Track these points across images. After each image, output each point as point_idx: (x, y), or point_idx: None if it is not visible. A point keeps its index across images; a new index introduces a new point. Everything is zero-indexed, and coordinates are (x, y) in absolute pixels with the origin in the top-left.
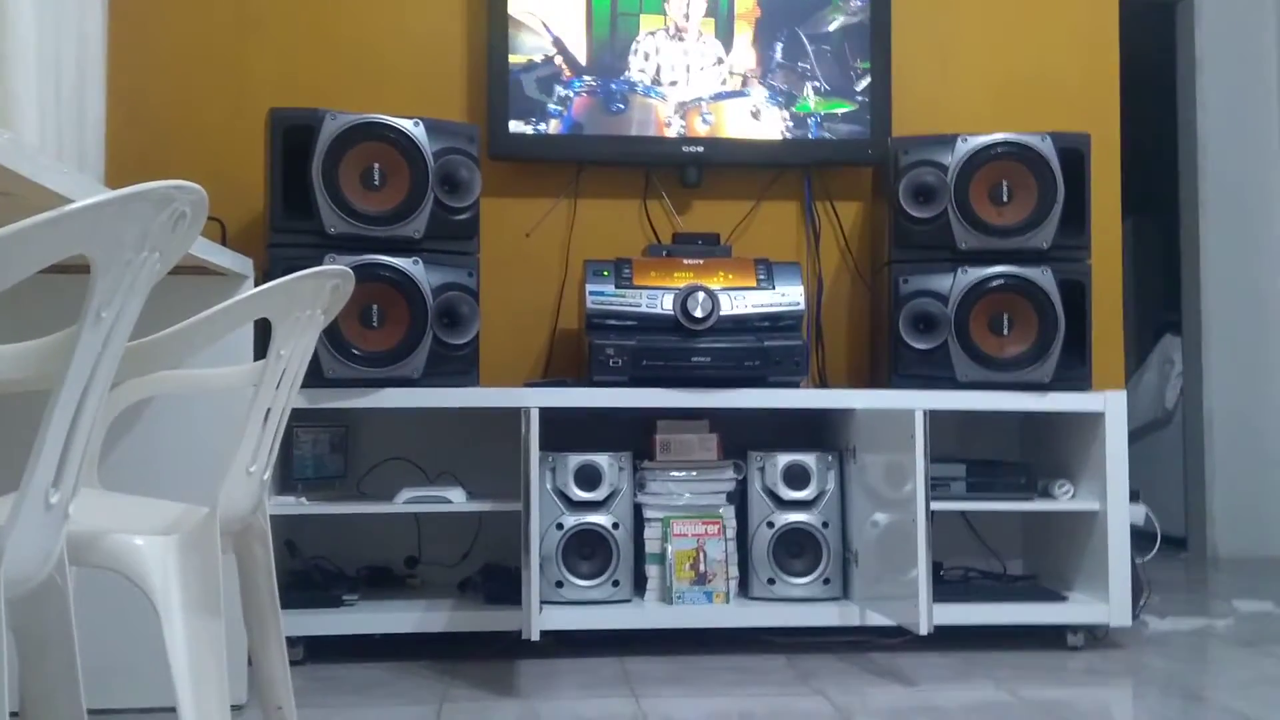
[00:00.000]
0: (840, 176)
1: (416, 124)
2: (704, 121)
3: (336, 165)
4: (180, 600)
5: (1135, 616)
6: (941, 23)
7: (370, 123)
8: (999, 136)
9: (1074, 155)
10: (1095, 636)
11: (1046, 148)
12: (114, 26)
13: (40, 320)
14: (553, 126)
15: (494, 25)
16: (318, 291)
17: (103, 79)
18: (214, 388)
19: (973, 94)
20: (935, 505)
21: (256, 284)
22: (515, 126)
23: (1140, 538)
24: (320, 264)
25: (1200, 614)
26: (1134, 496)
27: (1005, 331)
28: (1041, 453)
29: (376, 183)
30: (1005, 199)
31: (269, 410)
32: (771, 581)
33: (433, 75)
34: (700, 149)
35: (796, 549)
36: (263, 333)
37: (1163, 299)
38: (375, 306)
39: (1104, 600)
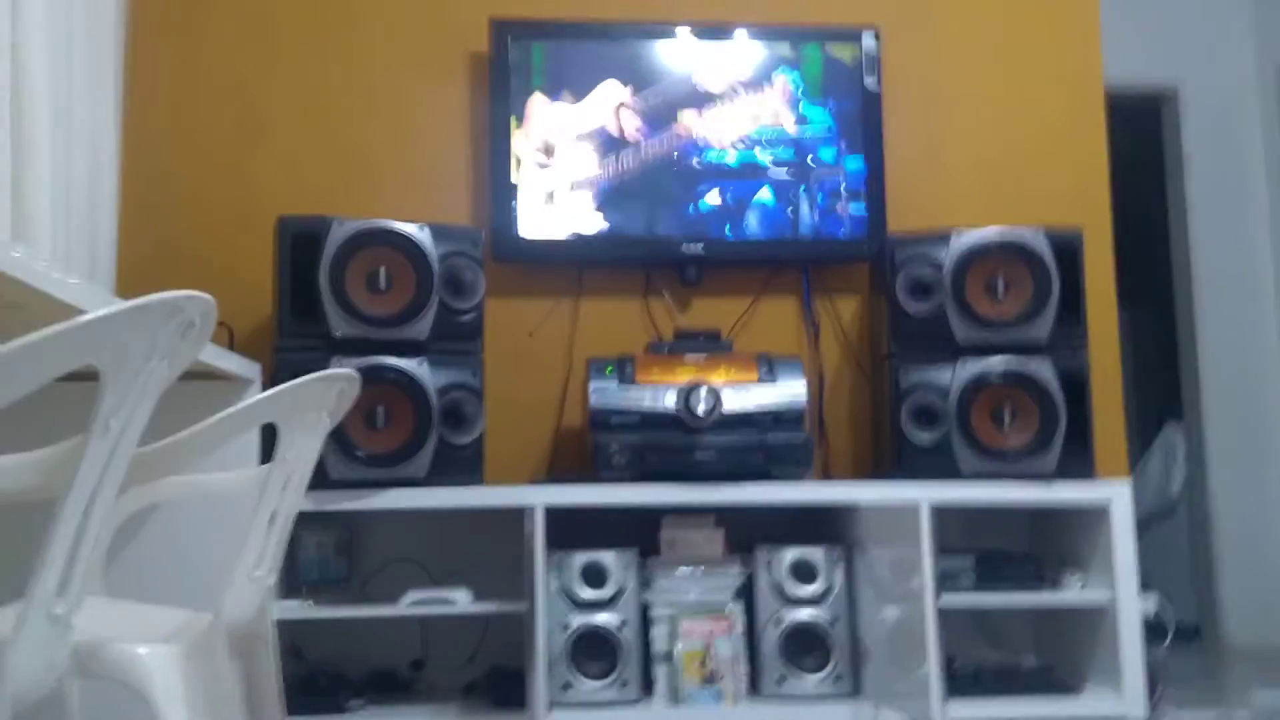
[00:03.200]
0: (838, 273)
1: (422, 229)
2: (704, 220)
3: (343, 270)
4: (184, 711)
5: (1152, 709)
6: (932, 117)
7: (377, 229)
8: (993, 232)
9: (1068, 248)
10: None
11: (1040, 242)
12: (126, 137)
13: (44, 428)
14: (554, 230)
15: (496, 133)
16: (324, 395)
17: (115, 188)
18: (219, 493)
19: (965, 186)
20: (945, 600)
21: (263, 388)
22: (517, 230)
23: (1153, 628)
24: (326, 367)
25: (1217, 705)
26: (1145, 586)
27: (1007, 423)
28: (1049, 543)
29: (382, 286)
30: (1001, 293)
31: (274, 514)
32: (782, 680)
33: (437, 180)
34: (700, 249)
35: (806, 646)
36: (268, 436)
37: (1163, 391)
38: (380, 407)
39: (1118, 693)
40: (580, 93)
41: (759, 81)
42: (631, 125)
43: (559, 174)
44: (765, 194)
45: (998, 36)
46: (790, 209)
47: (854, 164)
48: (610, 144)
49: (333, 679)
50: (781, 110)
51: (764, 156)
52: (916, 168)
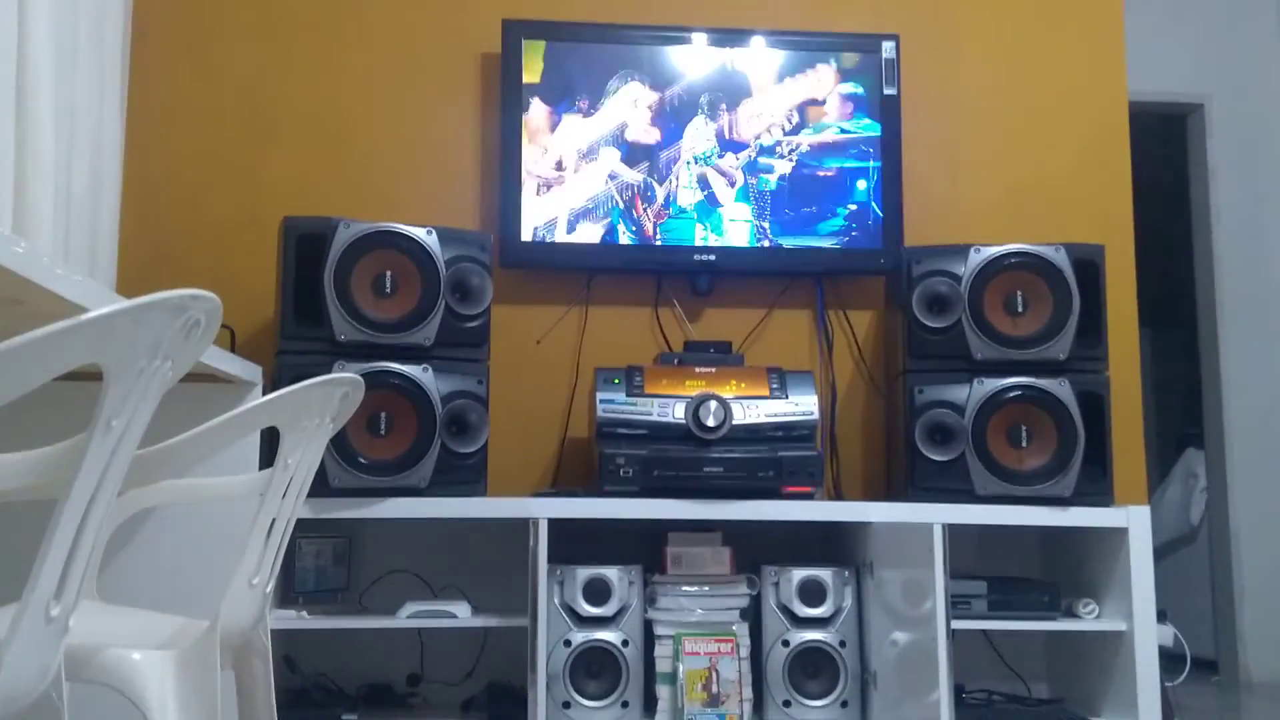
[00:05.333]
0: (853, 285)
1: (429, 232)
2: (715, 230)
3: (348, 273)
4: (178, 719)
5: None
6: (951, 129)
7: (383, 231)
8: (1012, 247)
9: (1088, 265)
10: None
11: (1060, 258)
12: (130, 135)
13: (44, 427)
14: (564, 235)
15: (507, 136)
16: (327, 400)
17: (118, 186)
18: (218, 497)
19: (984, 202)
20: (956, 624)
21: (264, 391)
22: (527, 235)
23: (1169, 659)
24: (329, 372)
25: None
26: (1162, 616)
27: (1024, 444)
28: (1064, 569)
29: (388, 290)
30: (1020, 309)
31: (273, 520)
32: (787, 704)
33: (445, 183)
34: (712, 257)
35: (813, 669)
36: (269, 441)
37: (1184, 412)
38: (383, 414)
39: None
40: (593, 96)
41: (775, 89)
42: (645, 129)
43: (570, 178)
44: (779, 203)
45: (1020, 48)
46: (805, 219)
47: (872, 176)
48: (623, 148)
49: (327, 692)
50: (797, 119)
51: (779, 165)
52: (935, 180)
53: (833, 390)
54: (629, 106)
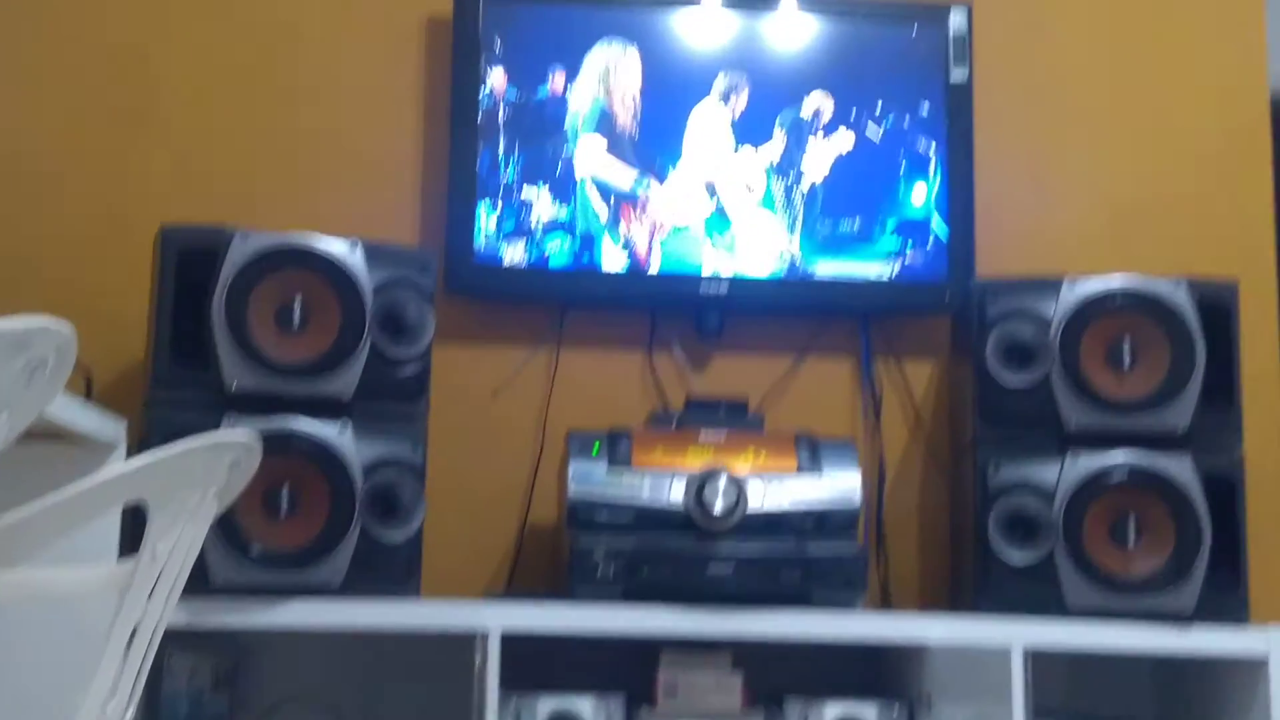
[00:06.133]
0: (909, 327)
1: (353, 247)
2: (728, 251)
3: (245, 299)
4: None
5: None
6: (1039, 130)
7: (292, 246)
8: (1117, 281)
9: (1218, 306)
10: None
11: (1181, 297)
12: None
13: None
14: (530, 255)
15: (458, 123)
16: (211, 468)
17: None
18: (63, 596)
19: (1081, 221)
20: None
21: (129, 454)
22: (482, 254)
23: None
24: (217, 429)
25: None
26: None
27: (1131, 542)
28: (1183, 708)
29: (297, 323)
30: (1127, 363)
31: (135, 628)
32: None
33: (376, 184)
34: (724, 288)
35: None
36: (133, 522)
37: None
38: (286, 488)
39: None
40: (572, 73)
41: (810, 68)
42: (638, 116)
43: (541, 178)
44: (813, 216)
45: (1129, 24)
46: (847, 240)
47: (934, 184)
48: (610, 139)
49: None
50: (837, 108)
51: (812, 169)
52: (1017, 193)
53: (881, 466)
54: (617, 85)
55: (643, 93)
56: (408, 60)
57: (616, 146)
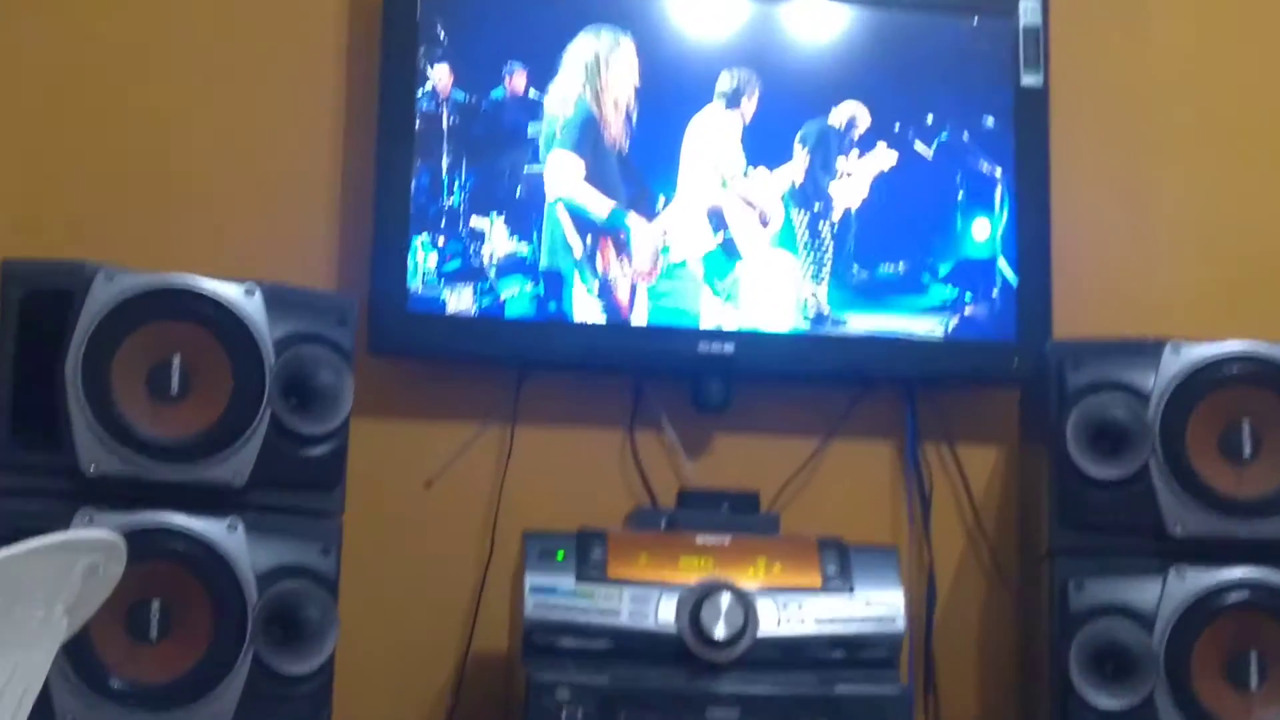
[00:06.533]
0: (967, 400)
1: (249, 292)
2: (735, 300)
3: (109, 357)
4: None
5: None
6: (1133, 151)
7: (171, 287)
8: (1235, 346)
9: None
10: None
11: None
12: None
13: None
14: (480, 302)
15: (389, 133)
16: (61, 575)
17: None
18: None
19: (1186, 272)
20: None
21: None
22: (417, 300)
23: None
24: (68, 525)
25: None
26: None
27: (1254, 683)
28: None
29: (175, 389)
30: (1247, 452)
31: None
32: None
33: (282, 212)
34: (729, 347)
35: None
36: None
37: None
38: (157, 603)
39: None
40: (538, 67)
41: (842, 69)
42: (624, 126)
43: (496, 203)
44: (844, 254)
45: (1255, 24)
46: (888, 287)
47: (1000, 217)
48: (592, 154)
49: None
50: (876, 119)
51: (844, 195)
52: (1105, 230)
53: (930, 580)
54: (608, 86)
55: (639, 95)
56: (323, 52)
57: (600, 163)
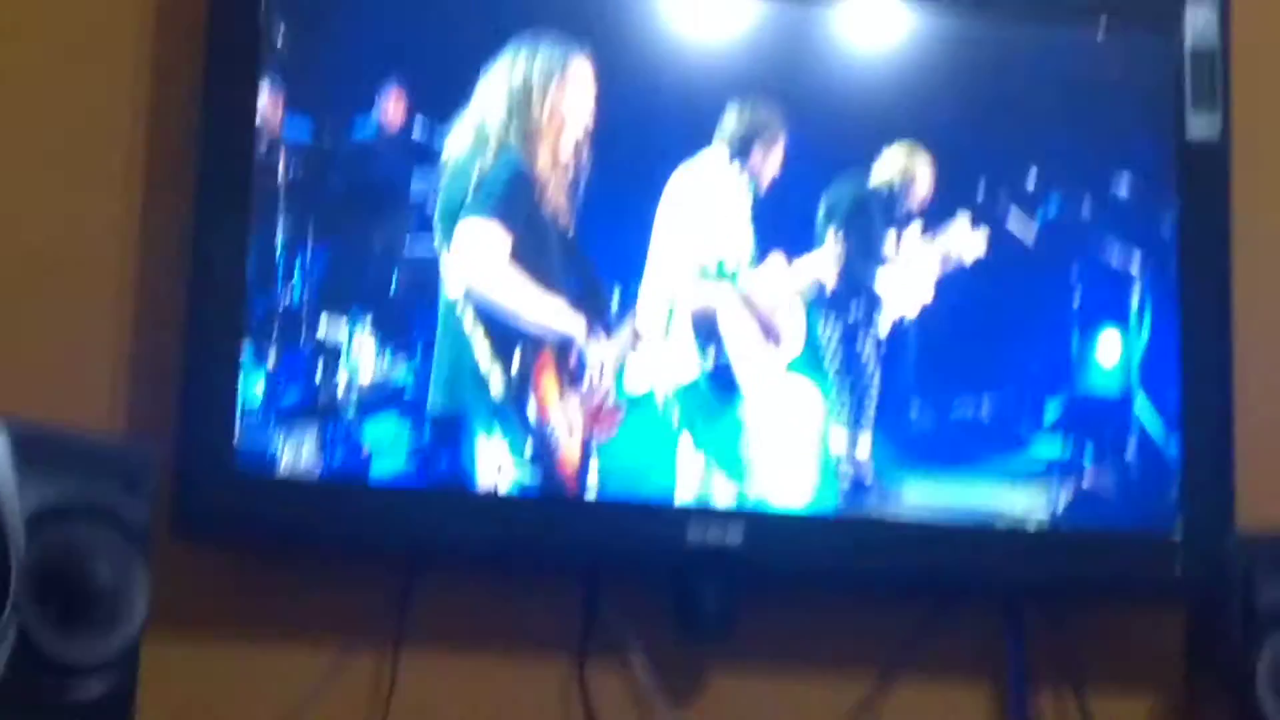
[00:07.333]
0: (1098, 623)
1: None
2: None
3: None
4: None
5: None
6: None
7: None
8: None
9: None
10: None
11: None
12: None
13: None
14: (333, 456)
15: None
16: None
17: None
18: None
19: None
20: None
21: None
22: (243, 453)
23: None
24: None
25: None
26: None
27: None
28: None
29: None
30: None
31: None
32: None
33: (45, 317)
34: (732, 534)
35: None
36: None
37: None
38: None
39: None
40: (431, 96)
41: (898, 107)
42: (570, 189)
43: (361, 298)
44: (900, 396)
45: None
46: (966, 439)
47: (1141, 333)
48: (522, 225)
49: None
50: (947, 179)
51: (897, 299)
52: None
53: None
54: (532, 124)
55: (594, 138)
56: (115, 68)
57: (535, 239)
